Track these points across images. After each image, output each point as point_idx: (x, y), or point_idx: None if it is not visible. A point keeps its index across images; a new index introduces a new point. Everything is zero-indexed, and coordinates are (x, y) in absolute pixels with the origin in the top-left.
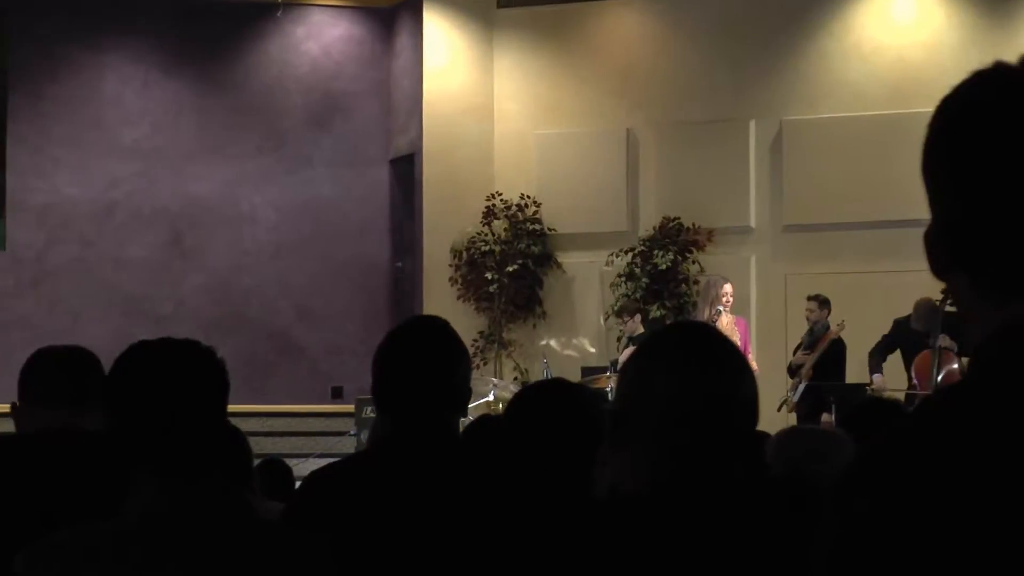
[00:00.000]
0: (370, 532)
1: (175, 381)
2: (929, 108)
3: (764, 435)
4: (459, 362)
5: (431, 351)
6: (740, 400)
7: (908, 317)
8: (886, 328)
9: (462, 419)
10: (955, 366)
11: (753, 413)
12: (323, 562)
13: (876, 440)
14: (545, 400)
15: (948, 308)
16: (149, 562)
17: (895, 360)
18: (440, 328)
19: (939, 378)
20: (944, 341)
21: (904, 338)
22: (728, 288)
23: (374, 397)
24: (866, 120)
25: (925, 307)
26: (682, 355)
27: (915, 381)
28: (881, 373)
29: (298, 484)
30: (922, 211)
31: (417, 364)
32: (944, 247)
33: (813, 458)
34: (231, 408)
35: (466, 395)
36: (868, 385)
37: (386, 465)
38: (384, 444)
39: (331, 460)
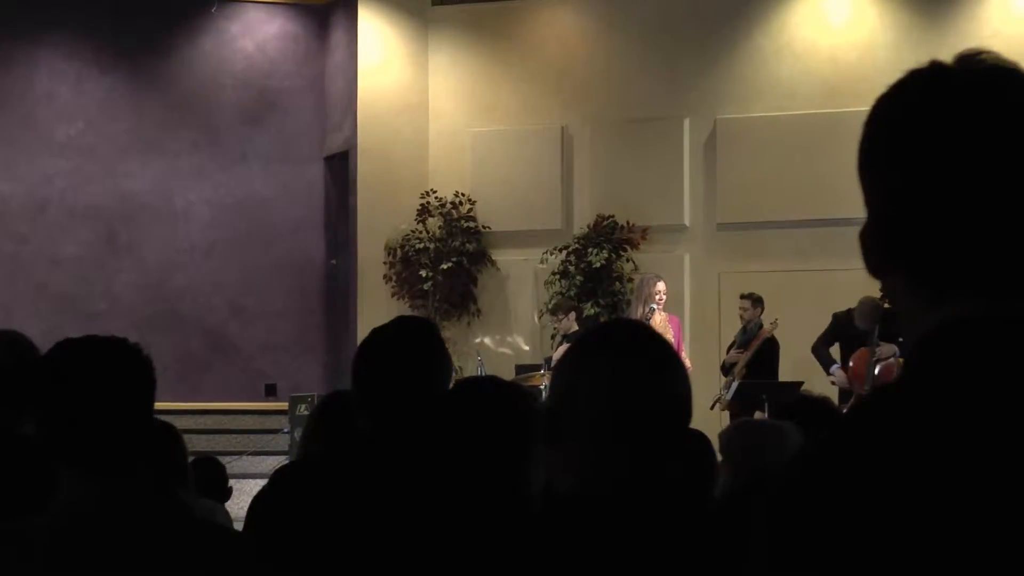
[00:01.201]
0: (338, 531)
1: (100, 378)
2: (862, 107)
3: (698, 433)
4: (438, 368)
5: (415, 353)
6: (673, 398)
7: (848, 312)
8: (819, 326)
9: None
10: (891, 360)
11: (686, 411)
12: (253, 562)
13: (809, 446)
14: (477, 398)
15: (889, 306)
16: (76, 559)
17: (833, 353)
18: (426, 330)
19: (876, 372)
20: (884, 350)
21: (842, 333)
22: (661, 286)
23: (354, 395)
24: (799, 119)
25: (868, 306)
26: (615, 353)
27: (851, 380)
28: (839, 364)
29: (231, 483)
30: (856, 209)
31: (396, 366)
32: (879, 246)
33: (767, 451)
34: (165, 406)
35: None
36: (832, 383)
37: (358, 467)
38: (359, 445)
39: (264, 458)
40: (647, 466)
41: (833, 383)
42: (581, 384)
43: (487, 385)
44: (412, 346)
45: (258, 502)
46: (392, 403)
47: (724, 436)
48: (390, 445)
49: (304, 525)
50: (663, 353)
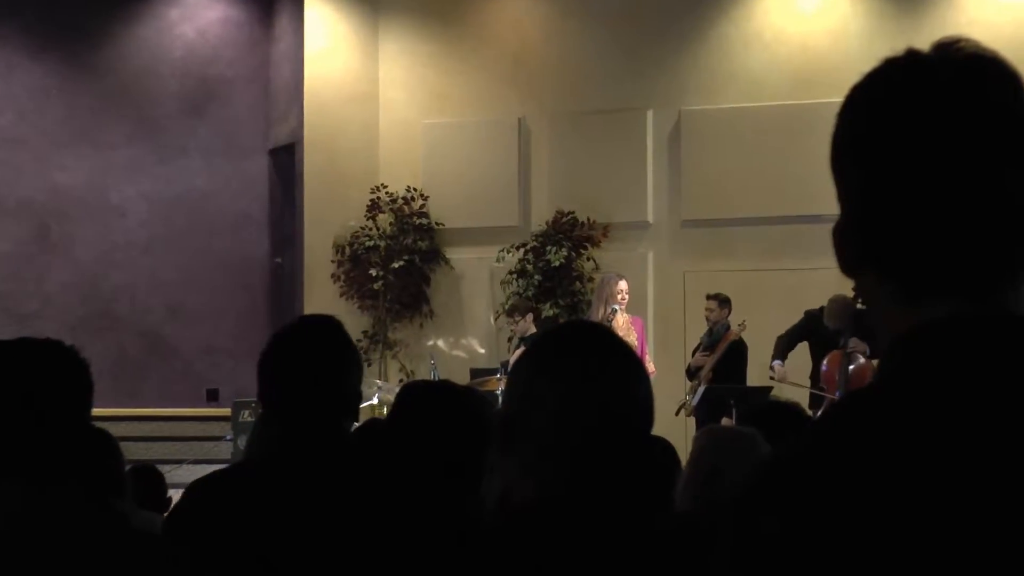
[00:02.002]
0: (257, 543)
1: (34, 382)
2: (834, 98)
3: (660, 440)
4: (347, 365)
5: (317, 353)
6: (634, 404)
7: (821, 310)
8: (786, 328)
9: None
10: (862, 361)
11: (648, 417)
12: (189, 573)
13: (780, 451)
14: (431, 404)
15: (861, 306)
16: (5, 569)
17: (801, 353)
18: (332, 328)
19: (849, 370)
20: (857, 345)
21: (814, 332)
22: (623, 285)
23: (261, 401)
24: (768, 110)
25: (839, 304)
26: (573, 357)
27: (823, 383)
28: (783, 361)
29: (171, 493)
30: (828, 206)
31: (302, 368)
32: (853, 244)
33: (731, 458)
34: (100, 412)
35: (356, 400)
36: (770, 376)
37: (276, 473)
38: (274, 451)
39: (206, 467)
40: (607, 474)
41: (771, 377)
42: (537, 389)
43: (441, 390)
44: (317, 347)
45: (171, 519)
46: (301, 407)
47: (695, 440)
48: (302, 451)
49: (217, 539)
50: (624, 356)
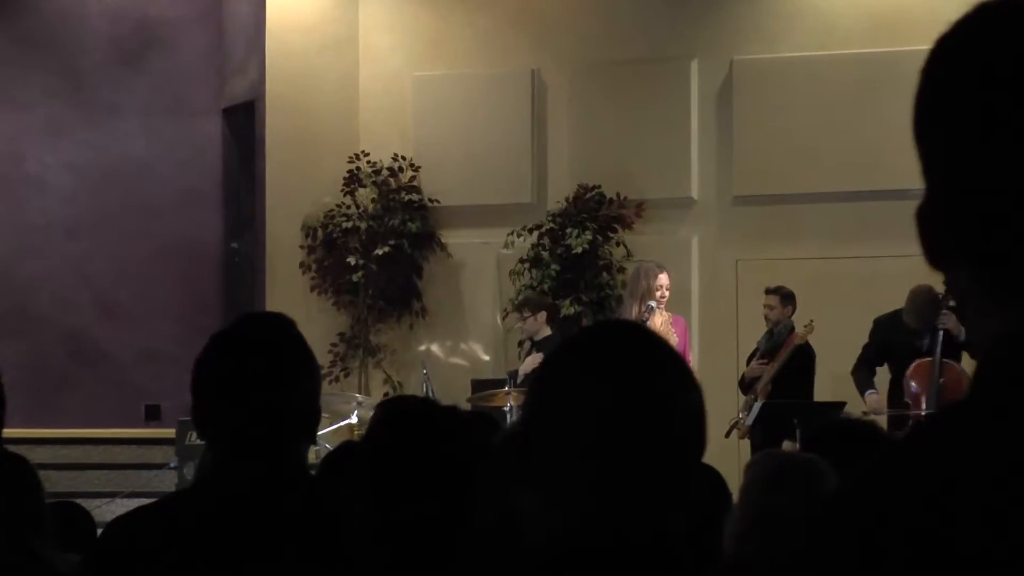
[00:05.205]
0: None
1: None
2: (919, 46)
3: (709, 468)
4: (303, 375)
5: (265, 361)
6: (681, 423)
7: (894, 314)
8: (864, 330)
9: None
10: (957, 369)
11: (699, 439)
12: None
13: (846, 485)
14: (410, 429)
15: (944, 299)
16: None
17: (883, 374)
18: (279, 329)
19: (940, 382)
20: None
21: (890, 342)
22: (664, 280)
23: (194, 421)
24: (840, 60)
25: (923, 295)
26: (606, 366)
27: (908, 399)
28: (875, 389)
29: (101, 532)
30: (913, 179)
31: (246, 378)
32: (941, 228)
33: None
34: (13, 433)
35: (314, 417)
36: (864, 412)
37: (208, 509)
38: (206, 482)
39: (145, 500)
40: (644, 512)
41: (864, 413)
42: (560, 407)
43: (419, 410)
44: (260, 354)
45: (86, 565)
46: (238, 430)
47: (746, 470)
48: (236, 481)
49: None
50: (668, 364)
